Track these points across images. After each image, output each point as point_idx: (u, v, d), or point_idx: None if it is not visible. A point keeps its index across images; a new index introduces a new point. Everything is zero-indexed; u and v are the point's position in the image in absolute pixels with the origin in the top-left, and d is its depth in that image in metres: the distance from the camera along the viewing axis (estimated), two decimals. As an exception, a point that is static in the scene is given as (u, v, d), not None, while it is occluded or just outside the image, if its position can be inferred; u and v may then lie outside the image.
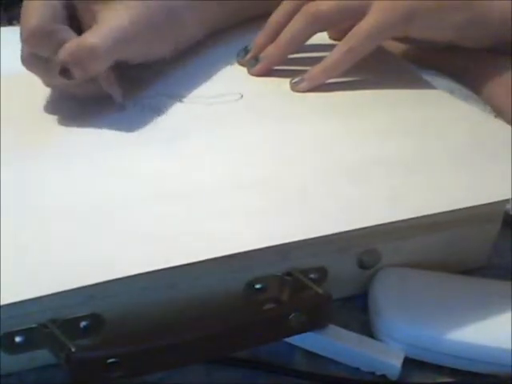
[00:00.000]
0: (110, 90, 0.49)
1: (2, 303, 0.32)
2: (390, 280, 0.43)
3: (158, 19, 0.51)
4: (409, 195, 0.42)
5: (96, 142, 0.46)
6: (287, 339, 0.39)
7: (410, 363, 0.39)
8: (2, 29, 0.62)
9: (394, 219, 0.40)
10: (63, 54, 0.46)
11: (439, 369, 0.40)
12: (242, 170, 0.44)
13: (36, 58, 0.47)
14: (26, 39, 0.46)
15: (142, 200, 0.41)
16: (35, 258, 0.36)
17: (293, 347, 0.40)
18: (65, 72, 0.46)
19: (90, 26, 0.48)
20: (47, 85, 0.50)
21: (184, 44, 0.56)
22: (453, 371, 0.40)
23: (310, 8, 0.54)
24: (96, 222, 0.39)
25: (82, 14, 0.50)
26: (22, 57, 0.48)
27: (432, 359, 0.40)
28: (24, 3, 0.48)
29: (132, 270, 0.35)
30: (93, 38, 0.47)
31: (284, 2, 0.56)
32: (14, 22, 0.89)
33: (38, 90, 0.50)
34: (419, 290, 0.42)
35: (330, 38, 0.60)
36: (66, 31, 0.48)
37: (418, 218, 0.40)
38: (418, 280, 0.43)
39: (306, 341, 0.39)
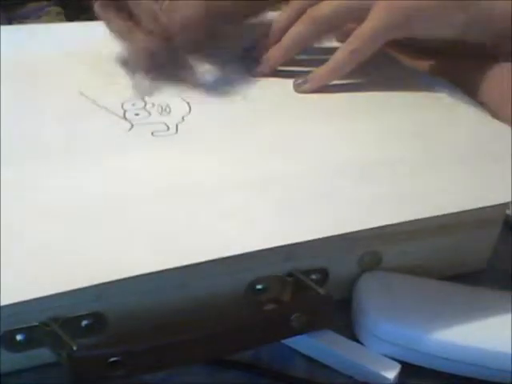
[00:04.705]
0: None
1: (3, 303, 0.32)
2: (373, 284, 0.42)
3: None
4: (410, 197, 0.42)
5: (100, 142, 0.46)
6: (287, 342, 0.39)
7: (406, 369, 0.39)
8: (2, 28, 0.62)
9: (395, 221, 0.40)
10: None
11: (437, 374, 0.40)
12: (245, 171, 0.44)
13: None
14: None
15: (145, 200, 0.40)
16: (39, 258, 0.36)
17: (293, 351, 0.40)
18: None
19: None
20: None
21: None
22: (451, 377, 0.40)
23: (312, 11, 0.54)
24: (98, 221, 0.38)
25: None
26: None
27: (415, 360, 0.40)
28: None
29: (133, 270, 0.35)
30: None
31: (290, 3, 0.56)
32: (14, 22, 0.89)
33: (38, 90, 0.50)
34: (402, 293, 0.42)
35: (336, 40, 0.60)
36: None
37: (419, 220, 0.40)
38: (401, 284, 0.43)
39: (303, 345, 0.40)
